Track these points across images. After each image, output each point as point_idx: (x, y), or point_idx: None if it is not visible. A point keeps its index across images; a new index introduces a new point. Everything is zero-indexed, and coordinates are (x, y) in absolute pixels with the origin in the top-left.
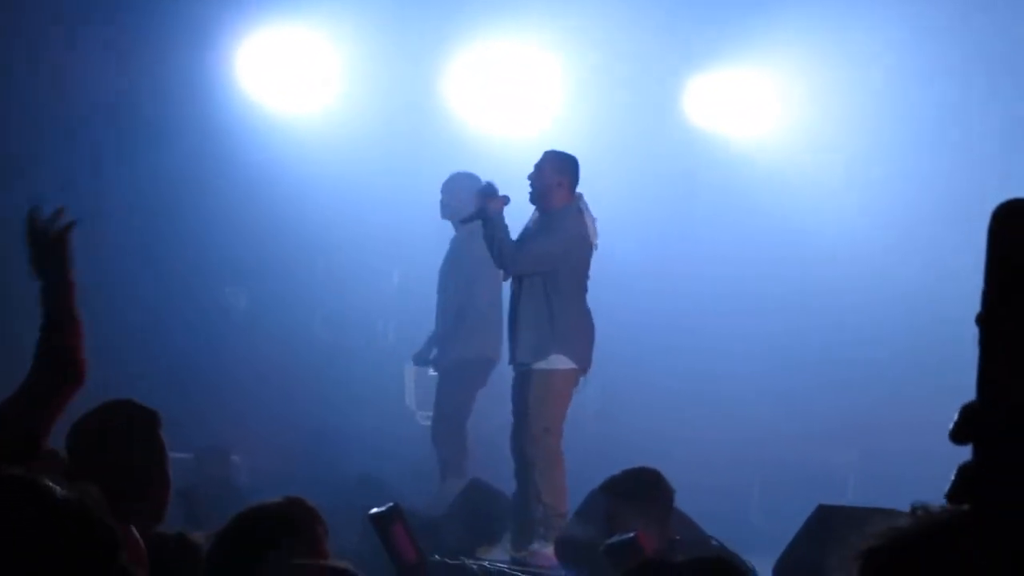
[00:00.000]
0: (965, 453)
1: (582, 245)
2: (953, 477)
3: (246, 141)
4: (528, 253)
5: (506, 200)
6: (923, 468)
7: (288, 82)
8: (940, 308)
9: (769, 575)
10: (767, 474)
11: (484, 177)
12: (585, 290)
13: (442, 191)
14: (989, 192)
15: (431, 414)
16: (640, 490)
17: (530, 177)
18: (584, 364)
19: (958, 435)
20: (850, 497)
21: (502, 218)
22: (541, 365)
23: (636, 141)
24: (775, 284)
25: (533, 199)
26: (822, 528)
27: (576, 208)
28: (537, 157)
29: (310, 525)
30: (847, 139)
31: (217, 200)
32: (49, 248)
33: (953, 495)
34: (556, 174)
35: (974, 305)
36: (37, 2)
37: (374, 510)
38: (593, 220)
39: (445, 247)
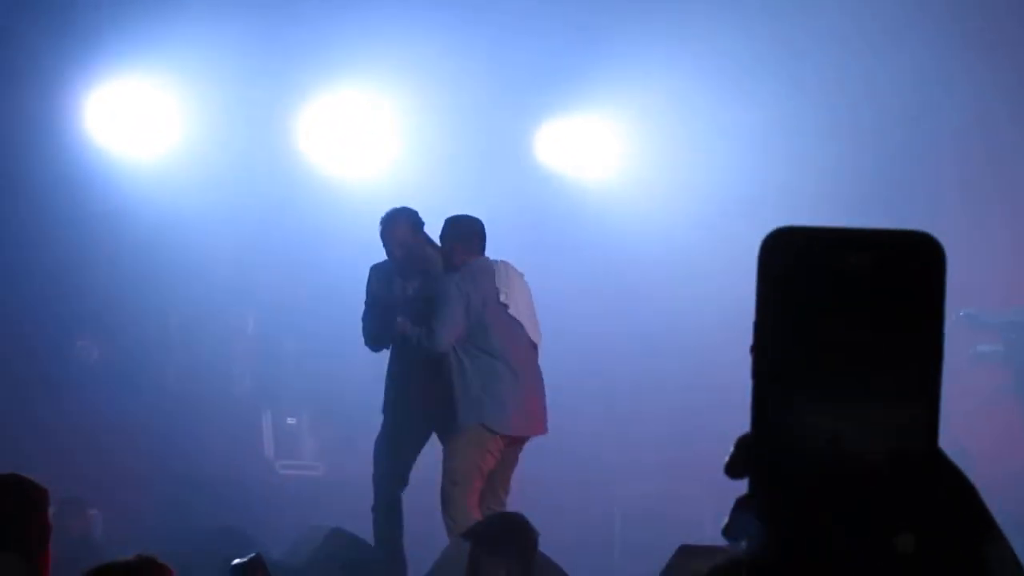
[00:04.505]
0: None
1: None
2: (730, 512)
3: (94, 191)
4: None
5: None
6: None
7: (142, 133)
8: None
9: None
10: (627, 510)
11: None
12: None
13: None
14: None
15: (290, 463)
16: (504, 536)
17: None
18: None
19: (733, 469)
20: (708, 534)
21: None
22: None
23: (484, 187)
24: (632, 319)
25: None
26: (683, 568)
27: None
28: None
29: None
30: (681, 175)
31: (66, 251)
32: None
33: (728, 531)
34: (445, 240)
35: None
36: None
37: (236, 561)
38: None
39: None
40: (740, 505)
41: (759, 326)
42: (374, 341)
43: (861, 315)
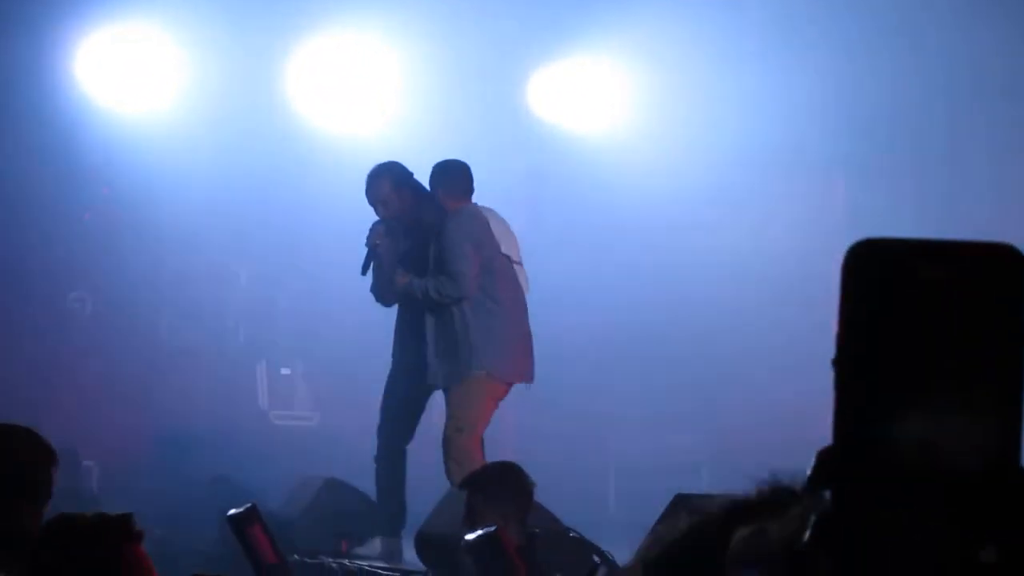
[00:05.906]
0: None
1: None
2: (809, 528)
3: (87, 141)
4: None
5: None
6: (777, 455)
7: (131, 82)
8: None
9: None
10: (621, 460)
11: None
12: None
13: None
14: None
15: (284, 413)
16: (499, 484)
17: None
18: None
19: (816, 481)
20: (705, 483)
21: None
22: None
23: (479, 136)
24: (624, 272)
25: None
26: (679, 518)
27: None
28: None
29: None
30: (685, 127)
31: (58, 202)
32: None
33: (810, 544)
34: (432, 186)
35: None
36: None
37: (231, 511)
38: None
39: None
40: (824, 517)
41: (845, 338)
42: (381, 297)
43: (946, 326)
